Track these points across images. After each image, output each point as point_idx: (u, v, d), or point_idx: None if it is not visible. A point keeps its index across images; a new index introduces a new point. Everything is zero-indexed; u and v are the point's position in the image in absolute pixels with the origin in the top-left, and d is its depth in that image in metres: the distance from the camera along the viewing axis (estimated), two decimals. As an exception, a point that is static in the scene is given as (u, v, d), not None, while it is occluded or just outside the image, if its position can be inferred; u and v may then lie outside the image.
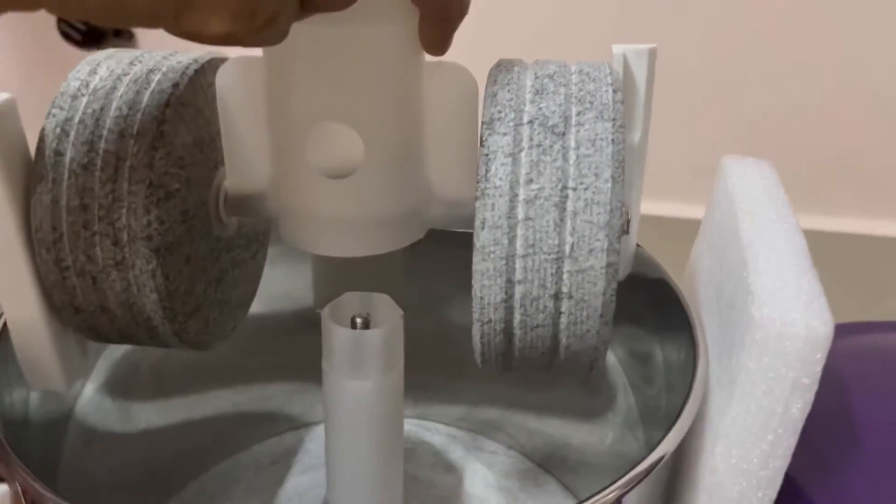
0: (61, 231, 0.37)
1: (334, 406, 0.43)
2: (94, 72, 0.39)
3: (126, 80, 0.38)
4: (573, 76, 0.37)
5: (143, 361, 0.58)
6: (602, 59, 0.40)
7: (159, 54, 0.40)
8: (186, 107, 0.39)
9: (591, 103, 0.35)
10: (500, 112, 0.35)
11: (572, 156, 0.34)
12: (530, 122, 0.35)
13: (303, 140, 0.37)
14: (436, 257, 0.52)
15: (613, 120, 0.35)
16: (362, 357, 0.41)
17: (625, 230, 0.36)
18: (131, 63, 0.39)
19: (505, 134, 0.35)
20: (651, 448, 0.40)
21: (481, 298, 0.35)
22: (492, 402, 0.67)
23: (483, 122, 0.35)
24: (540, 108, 0.35)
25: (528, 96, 0.36)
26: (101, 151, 0.37)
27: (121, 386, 0.57)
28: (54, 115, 0.38)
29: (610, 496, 0.37)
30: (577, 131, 0.35)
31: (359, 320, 0.41)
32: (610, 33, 0.93)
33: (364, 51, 0.36)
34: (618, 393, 0.58)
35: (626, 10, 0.94)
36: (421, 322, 0.63)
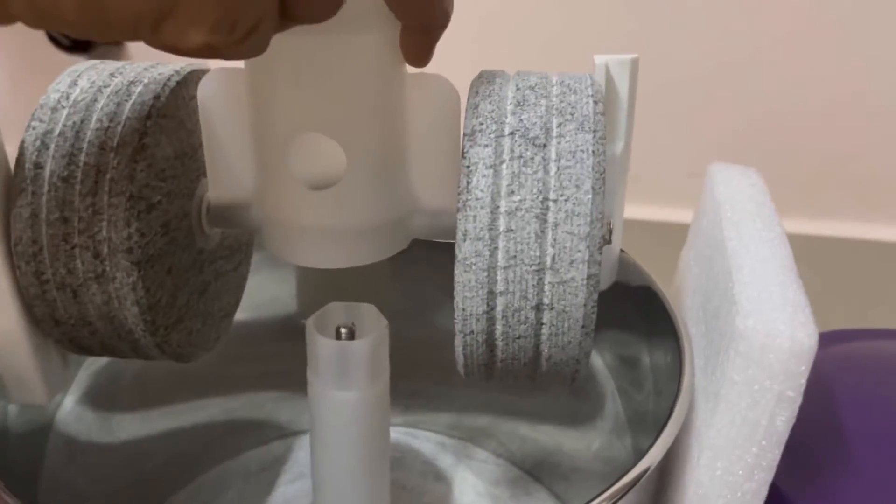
0: (41, 244, 0.37)
1: (319, 416, 0.43)
2: (74, 83, 0.39)
3: (107, 91, 0.38)
4: (554, 87, 0.37)
5: (126, 371, 0.58)
6: (587, 69, 0.40)
7: (140, 66, 0.40)
8: (168, 118, 0.39)
9: (572, 115, 0.35)
10: (481, 124, 0.35)
11: (553, 167, 0.34)
12: (511, 133, 0.35)
13: (285, 151, 0.37)
14: (427, 263, 0.53)
15: (594, 131, 0.35)
16: (347, 368, 0.41)
17: (607, 240, 0.36)
18: (112, 75, 0.39)
19: (486, 146, 0.35)
20: (639, 456, 0.40)
21: (463, 310, 0.35)
22: (482, 410, 0.67)
23: (464, 134, 0.35)
24: (521, 120, 0.35)
25: (510, 108, 0.36)
26: (81, 164, 0.36)
27: (102, 396, 0.57)
28: (34, 128, 0.37)
29: None
30: (558, 143, 0.35)
31: (344, 331, 0.41)
32: (597, 43, 0.93)
33: (346, 62, 0.36)
34: (606, 399, 0.58)
35: (615, 19, 0.95)
36: (411, 329, 0.63)
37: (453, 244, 0.35)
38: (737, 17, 0.93)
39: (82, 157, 0.36)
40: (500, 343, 0.36)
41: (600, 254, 0.34)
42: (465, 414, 0.68)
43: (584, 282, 0.34)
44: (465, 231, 0.34)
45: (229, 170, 0.41)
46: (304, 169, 0.37)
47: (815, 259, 0.96)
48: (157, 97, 0.38)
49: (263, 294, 0.61)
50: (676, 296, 0.53)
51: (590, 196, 0.34)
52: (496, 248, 0.34)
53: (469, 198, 0.34)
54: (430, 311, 0.64)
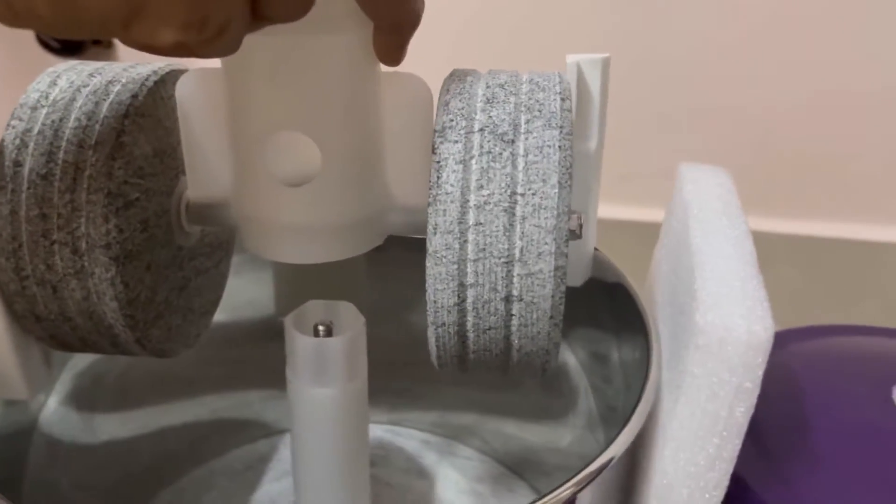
0: (21, 240, 0.37)
1: (299, 413, 0.44)
2: (53, 83, 0.39)
3: (85, 91, 0.39)
4: (524, 85, 0.38)
5: (108, 373, 0.59)
6: (561, 68, 0.41)
7: (119, 66, 0.41)
8: (146, 117, 0.39)
9: (540, 111, 0.36)
10: (451, 120, 0.36)
11: (521, 162, 0.35)
12: (481, 129, 0.36)
13: (261, 149, 0.38)
14: (407, 263, 0.53)
15: (561, 128, 0.35)
16: (325, 364, 0.42)
17: (577, 234, 0.37)
18: (91, 75, 0.40)
19: (456, 142, 0.35)
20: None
21: (435, 302, 0.36)
22: (466, 408, 0.68)
23: (435, 131, 0.36)
24: (490, 117, 0.36)
25: (480, 105, 0.36)
26: (59, 162, 0.37)
27: (85, 397, 0.57)
28: (14, 127, 0.38)
29: (564, 493, 0.38)
30: (526, 139, 0.35)
31: (321, 328, 0.42)
32: (576, 42, 0.94)
33: (319, 61, 0.36)
34: (580, 396, 0.59)
35: (595, 18, 0.95)
36: (395, 329, 0.64)
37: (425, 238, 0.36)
38: (721, 22, 0.94)
39: (61, 155, 0.37)
40: (471, 334, 0.36)
41: (567, 246, 0.35)
42: (450, 412, 0.69)
43: (552, 273, 0.35)
44: (436, 225, 0.35)
45: (207, 168, 0.41)
46: (280, 166, 0.38)
47: (797, 257, 0.98)
48: (134, 96, 0.39)
49: (243, 296, 0.61)
50: (649, 292, 0.53)
51: (556, 190, 0.34)
52: (466, 241, 0.35)
53: (439, 192, 0.35)
54: (410, 310, 0.65)
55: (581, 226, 0.38)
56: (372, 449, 0.67)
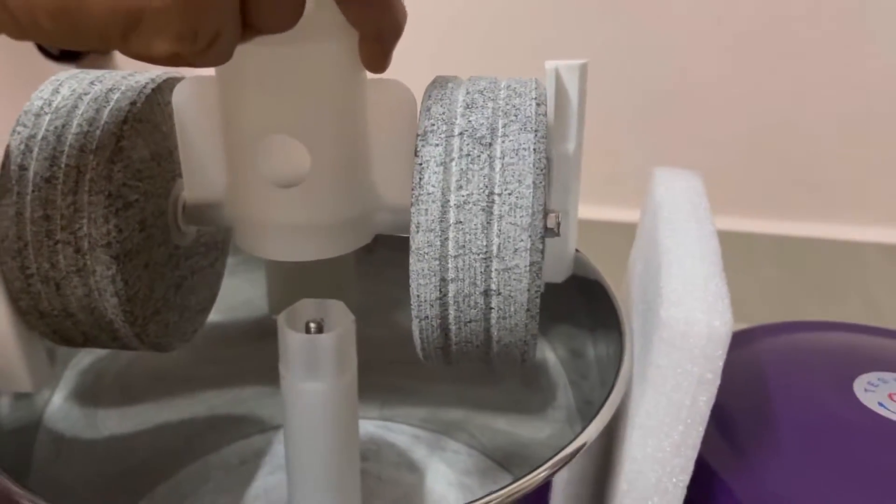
0: (26, 240, 0.39)
1: (291, 407, 0.45)
2: (56, 91, 0.41)
3: (87, 98, 0.41)
4: (502, 91, 0.39)
5: (109, 370, 0.60)
6: (541, 73, 0.43)
7: (119, 74, 0.43)
8: (143, 123, 0.41)
9: (516, 116, 0.38)
10: (433, 125, 0.38)
11: (498, 164, 0.37)
12: (461, 133, 0.37)
13: (253, 152, 0.39)
14: (395, 264, 0.55)
15: (535, 131, 0.37)
16: (316, 360, 0.43)
17: (555, 232, 0.39)
18: (92, 83, 0.42)
19: (437, 145, 0.37)
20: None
21: (418, 296, 0.37)
22: (455, 404, 0.70)
23: (418, 134, 0.38)
24: (470, 121, 0.38)
25: (460, 110, 0.38)
26: (62, 166, 0.39)
27: (88, 394, 0.59)
28: (18, 133, 0.40)
29: (540, 476, 0.40)
30: (503, 142, 0.37)
31: (312, 325, 0.43)
32: (561, 48, 0.96)
33: (308, 69, 0.38)
34: (559, 391, 0.61)
35: (580, 26, 0.97)
36: (387, 328, 0.65)
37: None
38: (705, 30, 0.96)
39: (63, 160, 0.39)
40: (453, 327, 0.38)
41: (542, 243, 0.37)
42: (439, 408, 0.70)
43: (528, 268, 0.36)
44: (418, 223, 0.37)
45: (203, 170, 0.43)
46: (271, 168, 0.40)
47: (780, 257, 1.00)
48: (133, 103, 0.40)
49: (239, 296, 0.63)
50: (626, 290, 0.55)
51: (531, 190, 0.36)
52: (447, 238, 0.37)
53: (421, 192, 0.37)
54: (400, 310, 0.67)
55: (559, 224, 0.40)
56: (364, 444, 0.69)
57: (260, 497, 0.65)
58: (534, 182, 0.36)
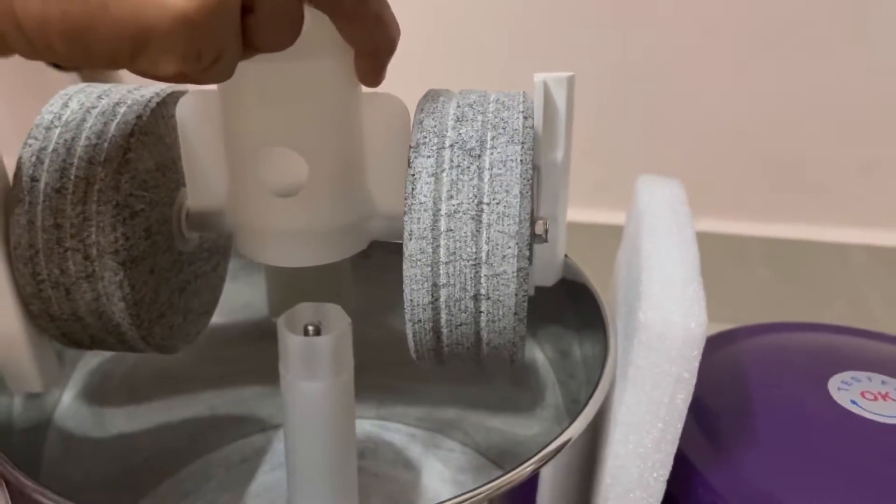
0: (37, 248, 0.41)
1: (290, 406, 0.47)
2: (65, 105, 0.43)
3: (94, 112, 0.42)
4: (491, 105, 0.41)
5: (116, 370, 0.61)
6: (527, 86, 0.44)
7: (125, 88, 0.45)
8: (149, 135, 0.43)
9: (504, 129, 0.40)
10: (425, 137, 0.40)
11: (486, 175, 0.38)
12: (451, 145, 0.39)
13: (253, 163, 0.41)
14: (390, 268, 0.56)
15: (522, 143, 0.39)
16: (314, 361, 0.45)
17: (543, 238, 0.41)
18: (99, 97, 0.43)
19: (429, 156, 0.39)
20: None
21: (411, 301, 0.39)
22: (450, 403, 0.71)
23: (410, 146, 0.39)
24: (460, 134, 0.40)
25: (451, 123, 0.40)
26: (72, 177, 0.41)
27: (95, 394, 0.60)
28: (30, 145, 0.42)
29: (527, 470, 0.41)
30: (491, 153, 0.39)
31: (311, 328, 0.45)
32: (554, 61, 0.97)
33: (306, 84, 0.40)
34: (547, 391, 0.62)
35: (567, 38, 0.98)
36: (384, 330, 0.67)
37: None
38: (693, 40, 0.97)
39: (73, 171, 0.41)
40: (444, 330, 0.40)
41: (529, 250, 0.38)
42: (434, 408, 0.72)
43: (515, 274, 0.38)
44: (411, 231, 0.38)
45: (205, 180, 0.45)
46: (270, 178, 0.41)
47: (770, 259, 1.01)
48: (139, 117, 0.42)
49: (239, 299, 0.64)
50: (612, 293, 0.57)
51: (518, 199, 0.38)
52: (438, 245, 0.38)
53: (414, 202, 0.38)
54: (395, 313, 0.68)
55: (547, 230, 0.41)
56: (361, 442, 0.70)
57: (260, 495, 0.67)
58: (520, 192, 0.38)
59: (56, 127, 0.42)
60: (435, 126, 0.40)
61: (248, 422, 0.72)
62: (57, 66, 0.85)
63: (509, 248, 0.38)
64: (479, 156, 0.39)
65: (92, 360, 0.60)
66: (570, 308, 0.57)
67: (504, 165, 0.39)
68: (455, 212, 0.38)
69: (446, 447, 0.71)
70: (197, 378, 0.67)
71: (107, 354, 0.61)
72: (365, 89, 0.42)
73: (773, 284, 0.99)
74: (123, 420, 0.64)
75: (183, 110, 0.44)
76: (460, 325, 0.40)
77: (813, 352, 0.61)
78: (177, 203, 0.46)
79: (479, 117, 0.40)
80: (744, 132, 1.00)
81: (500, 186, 0.38)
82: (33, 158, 0.41)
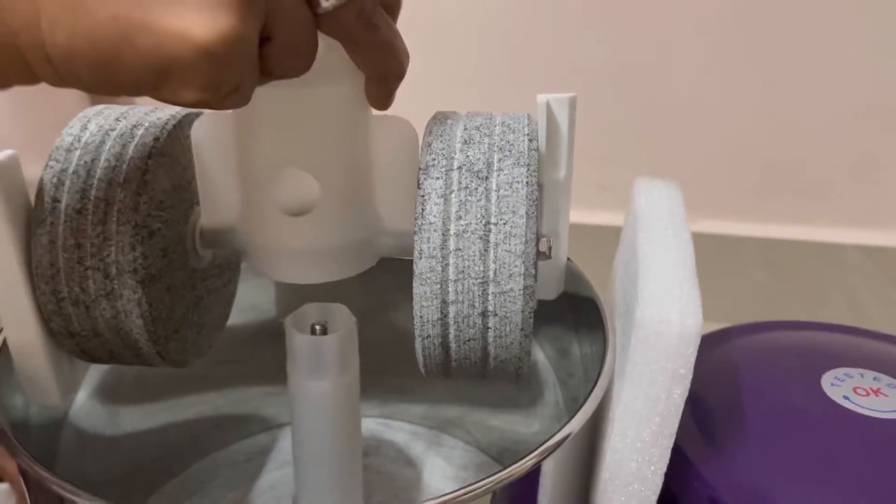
0: (58, 266, 0.42)
1: (297, 404, 0.48)
2: (84, 127, 0.44)
3: (113, 134, 0.43)
4: (497, 127, 0.42)
5: (129, 371, 0.62)
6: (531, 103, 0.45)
7: (141, 110, 0.46)
8: (166, 157, 0.44)
9: (510, 151, 0.41)
10: (434, 160, 0.41)
11: (494, 196, 0.40)
12: (459, 167, 0.41)
13: (267, 184, 0.42)
14: (395, 269, 0.57)
15: (528, 166, 0.40)
16: (321, 360, 0.46)
17: (547, 255, 0.42)
18: (117, 119, 0.44)
19: (438, 178, 0.40)
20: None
21: (421, 317, 0.40)
22: (452, 402, 0.72)
23: (420, 168, 0.41)
24: (467, 156, 0.41)
25: (458, 146, 0.41)
26: (92, 198, 0.42)
27: (109, 393, 0.61)
28: (51, 167, 0.43)
29: (528, 463, 0.43)
30: (498, 175, 0.40)
31: (318, 327, 0.46)
32: (550, 68, 0.98)
33: (318, 108, 0.41)
34: (548, 389, 0.64)
35: (568, 53, 0.99)
36: (387, 330, 0.68)
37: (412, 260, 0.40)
38: (689, 49, 0.98)
39: (93, 192, 0.42)
40: (453, 345, 0.41)
41: (535, 268, 0.40)
42: (436, 406, 0.73)
43: (522, 291, 0.39)
44: (421, 250, 0.40)
45: (219, 198, 0.46)
46: (283, 199, 0.43)
47: (767, 259, 1.02)
48: (156, 139, 0.43)
49: (247, 300, 0.65)
50: (610, 293, 0.58)
51: (524, 220, 0.39)
52: (447, 264, 0.40)
53: (423, 222, 0.40)
54: (399, 312, 0.69)
55: (550, 247, 0.43)
56: (365, 440, 0.71)
57: (266, 492, 0.68)
58: (527, 212, 0.39)
59: (76, 149, 0.43)
60: (443, 148, 0.41)
61: (253, 421, 0.73)
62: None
63: (516, 266, 0.39)
64: (487, 177, 0.40)
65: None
66: (570, 308, 0.58)
67: (510, 187, 0.40)
68: (463, 232, 0.40)
69: (448, 445, 0.72)
70: (204, 378, 0.69)
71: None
72: (374, 112, 0.43)
73: (769, 285, 1.01)
74: (135, 419, 0.65)
75: (198, 131, 0.45)
76: (468, 340, 0.41)
77: (806, 349, 0.63)
78: (191, 221, 0.47)
79: (486, 140, 0.42)
80: (740, 134, 1.01)
81: (507, 207, 0.40)
82: (54, 180, 0.42)
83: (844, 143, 0.99)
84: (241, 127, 0.43)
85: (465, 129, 0.42)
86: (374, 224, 0.46)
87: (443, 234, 0.40)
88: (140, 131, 0.44)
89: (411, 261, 0.40)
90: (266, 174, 0.42)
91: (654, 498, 0.47)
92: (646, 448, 0.46)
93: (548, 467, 0.45)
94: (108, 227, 0.42)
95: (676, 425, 0.45)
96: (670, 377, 0.44)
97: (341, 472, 0.50)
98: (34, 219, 0.42)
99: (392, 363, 0.66)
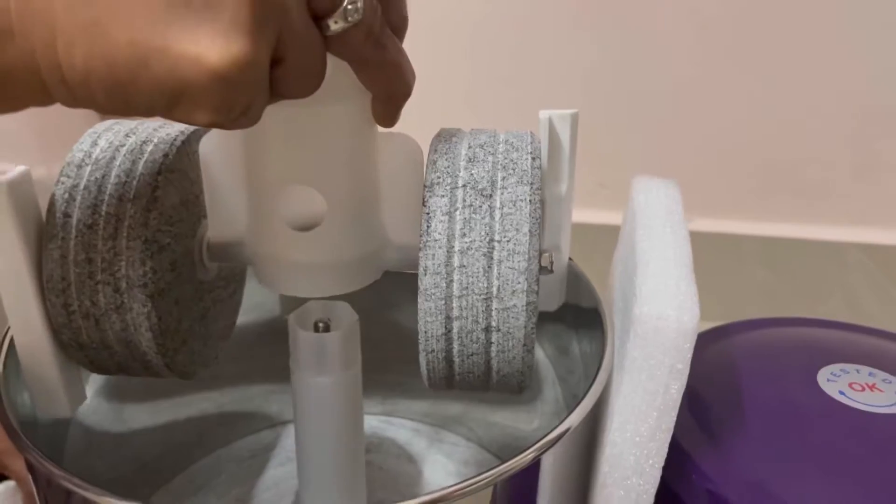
0: (69, 280, 0.43)
1: (301, 400, 0.49)
2: (95, 143, 0.45)
3: (123, 150, 0.44)
4: (500, 145, 0.43)
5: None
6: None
7: (150, 126, 0.46)
8: (175, 173, 0.44)
9: (514, 170, 0.41)
10: (438, 178, 0.41)
11: (497, 214, 0.40)
12: (464, 185, 0.41)
13: (274, 199, 0.43)
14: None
15: (531, 184, 0.41)
16: (324, 356, 0.47)
17: (549, 270, 0.43)
18: (127, 135, 0.45)
19: (443, 196, 0.41)
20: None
21: (425, 332, 0.41)
22: (453, 399, 0.73)
23: (425, 186, 0.41)
24: (472, 174, 0.41)
25: (462, 164, 0.42)
26: (103, 213, 0.42)
27: (115, 391, 0.62)
28: (63, 183, 0.43)
29: (528, 457, 0.43)
30: (502, 193, 0.41)
31: (321, 324, 0.47)
32: (554, 70, 0.98)
33: (325, 126, 0.41)
34: (547, 386, 0.65)
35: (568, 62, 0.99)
36: (389, 327, 0.69)
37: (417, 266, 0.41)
38: (688, 50, 0.98)
39: (104, 208, 0.43)
40: (457, 359, 0.42)
41: (537, 284, 0.41)
42: (438, 403, 0.74)
43: (524, 308, 0.40)
44: (426, 267, 0.40)
45: (226, 212, 0.47)
46: (290, 214, 0.43)
47: (767, 257, 1.02)
48: (166, 155, 0.44)
49: (251, 299, 0.65)
50: (609, 291, 0.59)
51: (527, 238, 0.40)
52: (452, 280, 0.40)
53: (429, 239, 0.40)
54: (400, 311, 0.70)
55: (552, 262, 0.44)
56: (367, 437, 0.71)
57: (270, 488, 0.69)
58: (530, 230, 0.40)
59: (87, 165, 0.44)
60: (448, 166, 0.42)
61: (257, 418, 0.74)
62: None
63: (519, 283, 0.40)
64: (491, 196, 0.41)
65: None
66: (569, 306, 0.58)
67: (514, 205, 0.41)
68: (468, 249, 0.40)
69: (450, 441, 0.73)
70: (209, 376, 0.67)
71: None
72: (380, 129, 0.44)
73: (769, 283, 1.01)
74: (140, 416, 0.66)
75: (206, 147, 0.46)
76: (472, 355, 0.42)
77: (803, 345, 0.64)
78: (198, 235, 0.48)
79: (490, 158, 0.42)
80: (741, 133, 1.00)
81: (511, 225, 0.40)
82: (66, 195, 0.43)
83: (845, 142, 0.99)
84: (249, 143, 0.43)
85: (470, 147, 0.43)
86: (380, 238, 0.46)
87: (447, 251, 0.40)
88: (150, 147, 0.44)
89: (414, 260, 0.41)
90: (273, 190, 0.43)
91: (653, 491, 0.48)
92: (644, 442, 0.47)
93: (547, 461, 0.46)
94: (119, 242, 0.42)
95: (674, 419, 0.46)
96: (668, 372, 0.45)
97: (344, 468, 0.51)
98: (46, 233, 0.43)
99: (394, 361, 0.67)
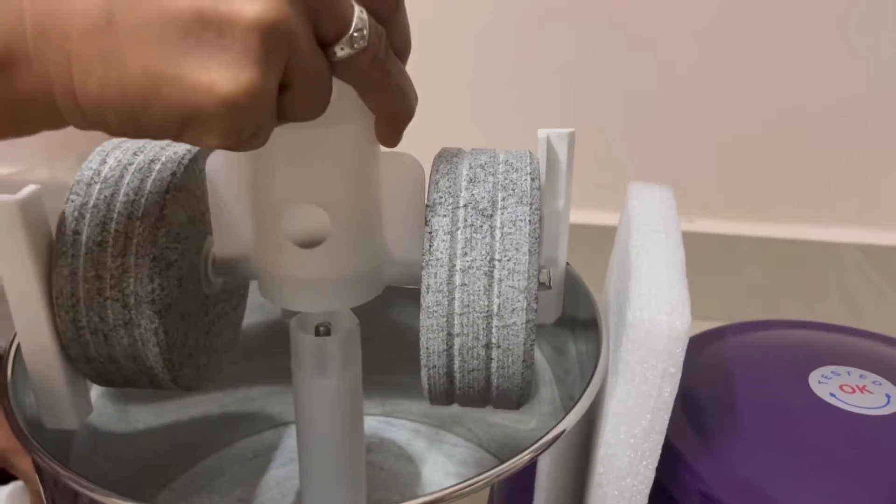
0: (79, 297, 0.43)
1: (302, 401, 0.50)
2: (104, 161, 0.45)
3: (131, 169, 0.45)
4: (500, 166, 0.44)
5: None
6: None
7: (158, 144, 0.47)
8: (182, 191, 0.45)
9: (514, 190, 0.42)
10: (440, 198, 0.42)
11: (498, 234, 0.41)
12: (465, 205, 0.42)
13: (279, 217, 0.43)
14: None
15: (531, 204, 0.42)
16: (325, 360, 0.48)
17: (547, 286, 0.44)
18: (135, 153, 0.46)
19: (444, 216, 0.42)
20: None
21: (427, 348, 0.42)
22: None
23: (427, 206, 0.42)
24: (473, 195, 0.42)
25: (464, 184, 0.43)
26: (112, 231, 0.43)
27: (120, 392, 0.63)
28: (72, 200, 0.44)
29: (525, 458, 0.44)
30: (502, 214, 0.42)
31: (321, 328, 0.48)
32: (553, 75, 0.98)
33: (330, 146, 0.42)
34: (545, 387, 0.65)
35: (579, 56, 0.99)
36: (388, 329, 0.69)
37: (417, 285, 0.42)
38: (686, 54, 0.98)
39: (113, 226, 0.43)
40: (457, 375, 0.43)
41: (536, 302, 0.41)
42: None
43: (524, 325, 0.41)
44: (428, 285, 0.41)
45: (231, 229, 0.47)
46: (294, 231, 0.44)
47: (763, 258, 1.03)
48: (173, 174, 0.45)
49: (254, 301, 0.65)
50: (605, 294, 0.60)
51: (527, 257, 0.41)
52: (453, 298, 0.41)
53: (431, 258, 0.41)
54: (400, 314, 0.71)
55: (550, 279, 0.45)
56: (367, 438, 0.73)
57: (272, 488, 0.69)
58: (529, 250, 0.41)
59: (96, 183, 0.45)
60: (449, 187, 0.43)
61: (259, 419, 0.75)
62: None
63: (518, 301, 0.41)
64: (491, 216, 0.42)
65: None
66: (566, 308, 0.59)
67: (514, 225, 0.41)
68: (469, 267, 0.41)
69: (449, 442, 0.74)
70: (212, 378, 0.70)
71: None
72: (383, 148, 0.44)
73: (766, 283, 1.01)
74: (145, 417, 0.66)
75: (213, 165, 0.46)
76: (472, 370, 0.43)
77: (795, 348, 0.64)
78: (204, 250, 0.48)
79: (490, 178, 0.43)
80: (738, 133, 1.01)
81: (511, 245, 0.41)
82: (76, 213, 0.44)
83: (841, 142, 1.00)
84: (254, 162, 0.44)
85: (471, 167, 0.44)
86: (382, 255, 0.47)
87: (449, 270, 0.41)
88: (157, 166, 0.45)
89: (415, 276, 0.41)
90: (278, 207, 0.43)
91: (647, 491, 0.49)
92: (638, 443, 0.48)
93: (544, 462, 0.47)
94: (128, 259, 0.43)
95: (667, 421, 0.47)
96: (660, 375, 0.45)
97: (345, 468, 0.52)
98: (55, 251, 0.44)
99: (394, 362, 0.68)
